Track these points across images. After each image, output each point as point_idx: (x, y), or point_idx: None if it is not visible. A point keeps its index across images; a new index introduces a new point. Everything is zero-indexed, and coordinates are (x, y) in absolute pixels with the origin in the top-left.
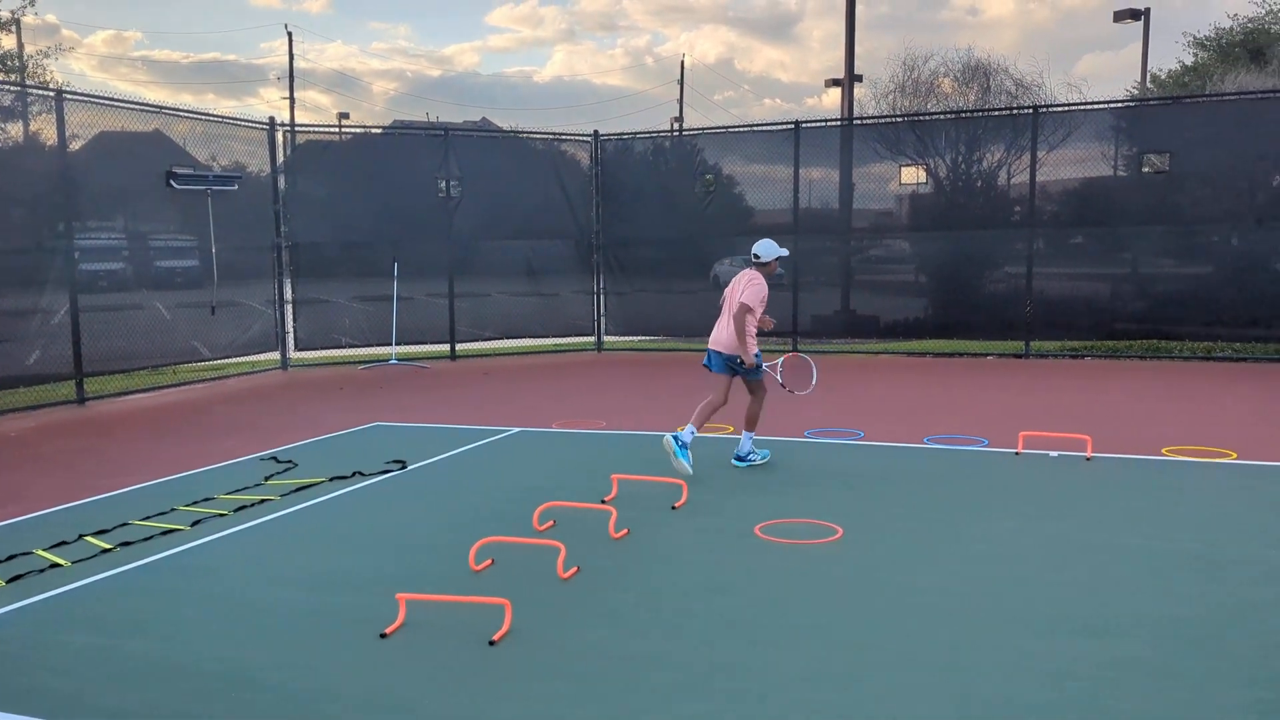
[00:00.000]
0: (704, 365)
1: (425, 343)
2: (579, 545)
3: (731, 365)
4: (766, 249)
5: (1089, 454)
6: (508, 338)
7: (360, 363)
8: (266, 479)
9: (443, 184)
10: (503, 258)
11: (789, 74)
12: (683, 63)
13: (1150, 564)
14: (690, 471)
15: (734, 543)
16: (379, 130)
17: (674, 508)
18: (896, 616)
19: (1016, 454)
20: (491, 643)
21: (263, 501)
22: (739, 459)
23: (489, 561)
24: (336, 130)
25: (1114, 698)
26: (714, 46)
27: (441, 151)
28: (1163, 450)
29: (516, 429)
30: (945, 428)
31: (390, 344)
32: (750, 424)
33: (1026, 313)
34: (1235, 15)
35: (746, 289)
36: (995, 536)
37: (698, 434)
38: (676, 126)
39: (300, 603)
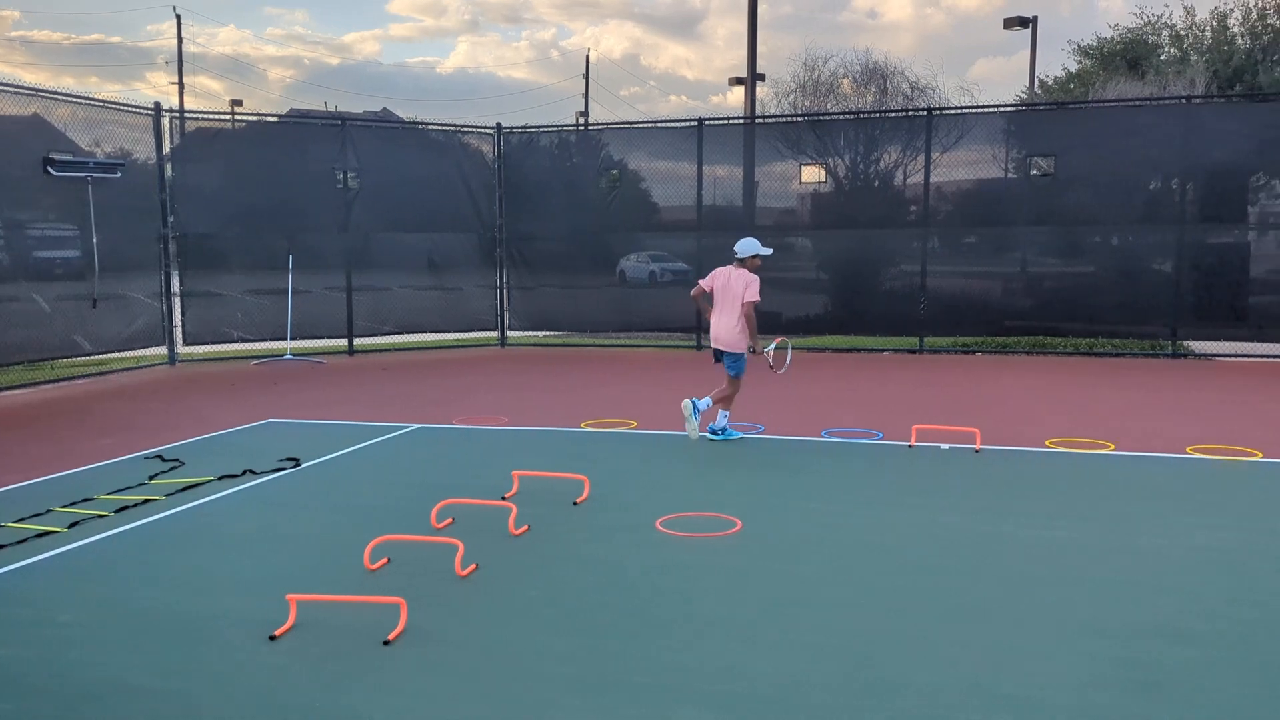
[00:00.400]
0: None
1: (322, 337)
2: (478, 542)
3: (730, 359)
4: (744, 247)
5: (978, 446)
6: (408, 333)
7: (253, 358)
8: (151, 478)
9: (340, 175)
10: (403, 251)
11: (694, 71)
12: (588, 57)
13: (1033, 552)
14: (696, 437)
15: (634, 537)
16: (274, 118)
17: (575, 503)
18: (793, 607)
19: (910, 447)
20: (386, 642)
21: (146, 502)
22: (713, 433)
23: (384, 560)
24: (229, 117)
25: (1001, 682)
26: (620, 42)
27: (339, 141)
28: (1046, 442)
29: (415, 425)
30: (842, 421)
31: (285, 339)
32: (725, 403)
33: (921, 310)
34: (1116, 25)
35: (749, 288)
36: (888, 527)
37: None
38: (582, 121)
39: (185, 606)
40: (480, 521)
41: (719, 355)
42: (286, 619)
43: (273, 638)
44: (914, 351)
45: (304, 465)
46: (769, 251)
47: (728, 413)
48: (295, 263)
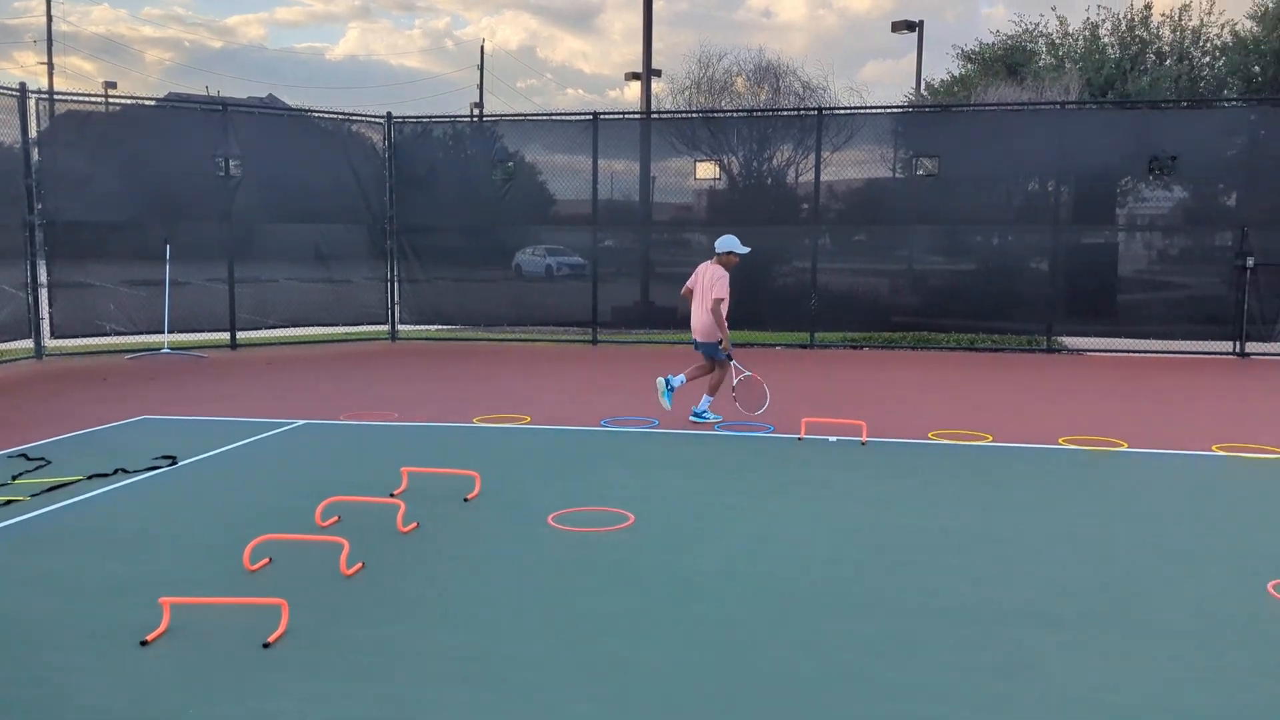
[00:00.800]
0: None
1: (202, 331)
2: (364, 541)
3: (707, 349)
4: (721, 243)
5: (864, 439)
6: (295, 326)
7: (128, 352)
8: (14, 478)
9: (221, 162)
10: (290, 242)
11: (591, 65)
12: (483, 48)
13: (914, 541)
14: (669, 408)
15: (526, 533)
16: (152, 102)
17: (466, 500)
18: (684, 600)
19: (799, 439)
20: (266, 645)
21: (9, 503)
22: (696, 415)
23: (266, 560)
24: (102, 100)
25: (881, 669)
26: (516, 33)
27: (221, 127)
28: (930, 435)
29: (301, 422)
30: (735, 415)
31: (162, 332)
32: (711, 390)
33: (811, 306)
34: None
35: (715, 284)
36: (777, 518)
37: (686, 384)
38: (476, 112)
39: (52, 611)
40: (367, 519)
41: (697, 345)
42: (160, 623)
43: (144, 643)
44: (805, 346)
45: (180, 463)
46: (745, 250)
47: (712, 399)
48: (173, 253)
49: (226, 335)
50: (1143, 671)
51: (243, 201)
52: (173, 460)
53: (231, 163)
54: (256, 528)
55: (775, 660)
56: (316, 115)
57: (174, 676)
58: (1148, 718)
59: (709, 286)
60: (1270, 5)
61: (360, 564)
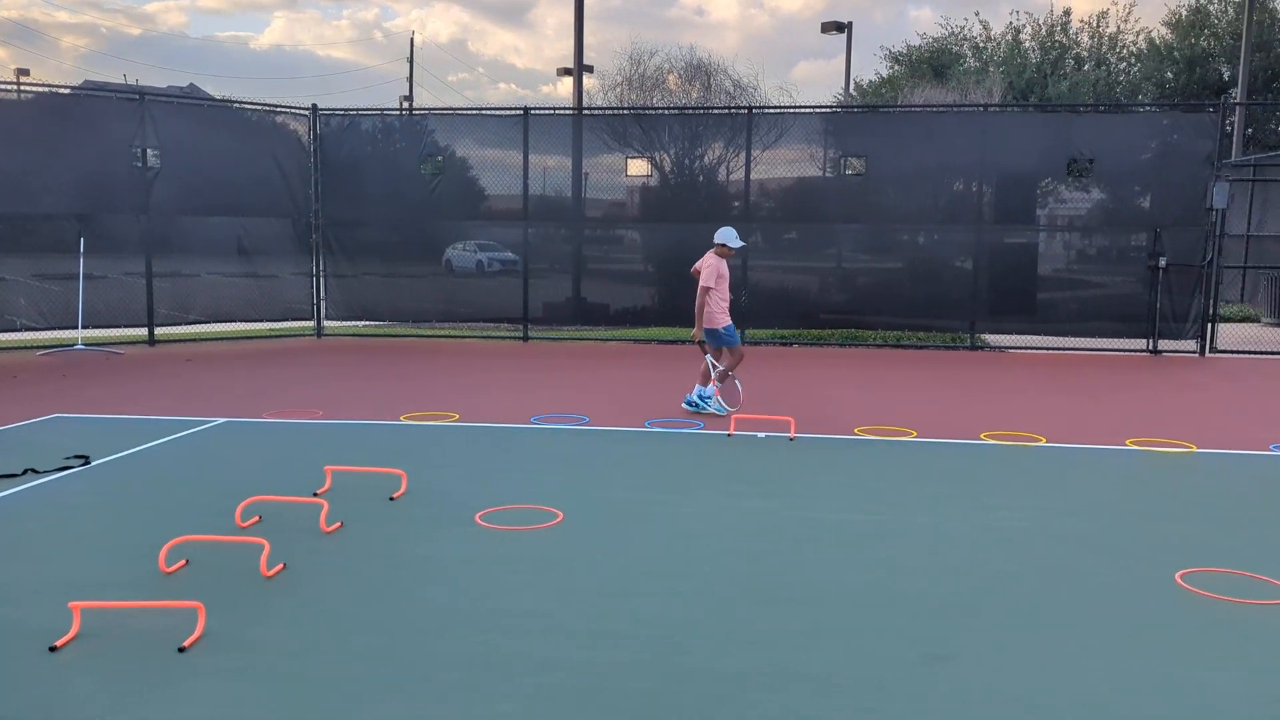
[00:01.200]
0: None
1: (119, 326)
2: (286, 541)
3: (709, 337)
4: (719, 235)
5: (792, 434)
6: (217, 322)
7: (39, 348)
8: None
9: (139, 153)
10: (211, 235)
11: (524, 60)
12: (412, 40)
13: (839, 536)
14: (724, 412)
15: (453, 532)
16: (66, 90)
17: (392, 498)
18: (611, 597)
19: (729, 436)
20: (181, 649)
21: None
22: (703, 400)
23: (183, 563)
24: (13, 87)
25: (804, 662)
26: (446, 26)
27: (138, 117)
28: (856, 430)
29: (222, 420)
30: (666, 412)
31: (76, 327)
32: (705, 379)
33: (742, 302)
34: (924, 34)
35: (703, 273)
36: (706, 514)
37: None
38: (406, 105)
39: None
40: (290, 519)
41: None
42: (69, 628)
43: (53, 649)
44: (690, 342)
45: (94, 463)
46: (739, 244)
47: (718, 386)
48: (87, 245)
49: (144, 331)
50: (1057, 662)
51: (161, 193)
52: (85, 460)
53: (150, 153)
54: (173, 529)
55: (702, 655)
56: (239, 106)
57: (84, 683)
58: (1060, 707)
59: (701, 275)
60: (1184, 13)
61: (281, 565)
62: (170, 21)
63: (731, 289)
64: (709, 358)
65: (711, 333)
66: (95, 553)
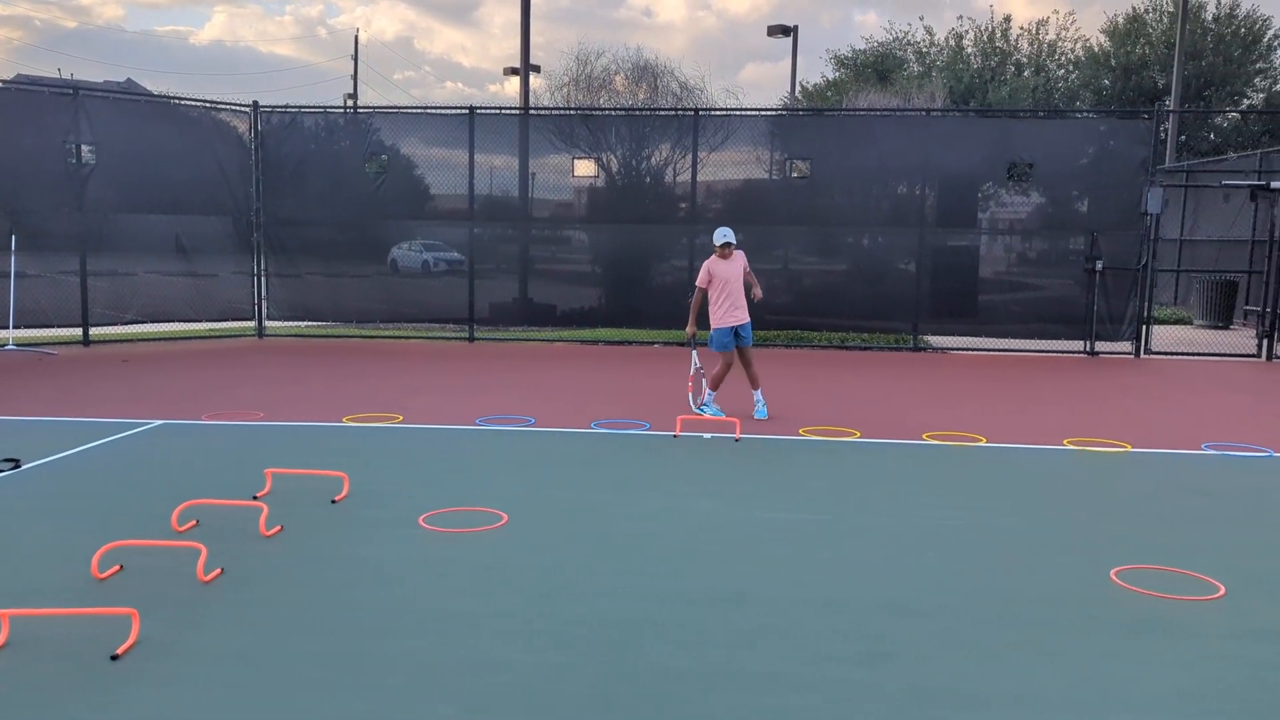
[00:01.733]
0: None
1: (52, 326)
2: (224, 545)
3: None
4: (714, 235)
5: (738, 436)
6: (155, 321)
7: None
8: None
9: (73, 149)
10: (149, 234)
11: (471, 58)
12: (357, 37)
13: (783, 536)
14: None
15: (396, 535)
16: None
17: (334, 501)
18: (555, 598)
19: (675, 437)
20: (115, 657)
21: None
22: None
23: (117, 568)
24: None
25: (747, 661)
26: (392, 24)
27: (72, 112)
28: (800, 431)
29: (159, 422)
30: (613, 413)
31: (6, 327)
32: (711, 383)
33: (687, 303)
34: (869, 38)
35: (700, 273)
36: (652, 515)
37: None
38: (350, 103)
39: None
40: (228, 523)
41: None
42: None
43: None
44: (683, 344)
45: (25, 466)
46: (719, 239)
47: (713, 392)
48: (19, 243)
49: (79, 331)
50: (994, 659)
51: (97, 190)
52: (15, 463)
53: (85, 149)
54: (107, 534)
55: (645, 656)
56: (178, 102)
57: (14, 693)
58: (996, 703)
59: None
60: (1121, 21)
61: (219, 570)
62: (107, 15)
63: (678, 289)
64: (695, 355)
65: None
66: (26, 559)
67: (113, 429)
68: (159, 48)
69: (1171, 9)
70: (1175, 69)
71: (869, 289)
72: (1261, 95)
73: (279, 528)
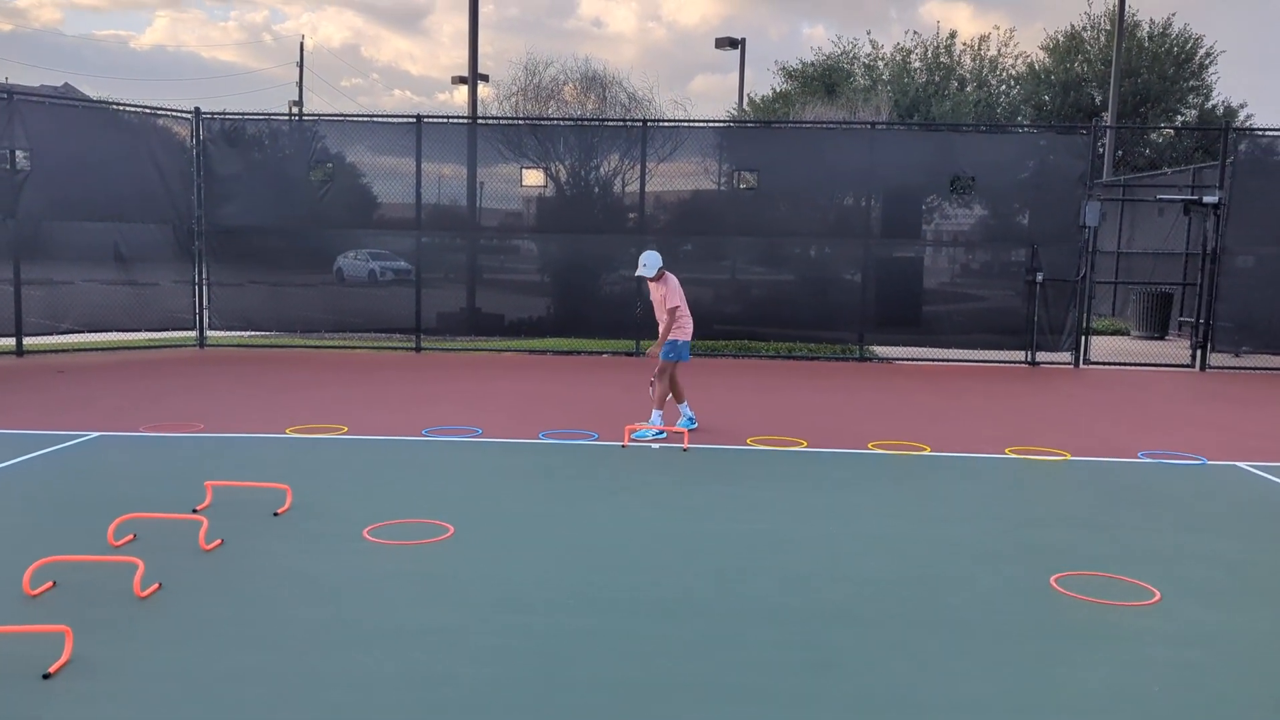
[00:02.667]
0: None
1: None
2: (163, 560)
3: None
4: (655, 258)
5: (685, 445)
6: (92, 331)
7: None
8: None
9: (6, 154)
10: (86, 241)
11: (419, 67)
12: (302, 44)
13: (732, 546)
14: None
15: (339, 547)
16: None
17: (276, 514)
18: (501, 610)
19: (623, 447)
20: (46, 676)
21: None
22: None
23: (49, 585)
24: None
25: (692, 672)
26: (339, 31)
27: (6, 116)
28: (747, 440)
29: (95, 434)
30: (561, 423)
31: None
32: (679, 396)
33: (637, 314)
34: (817, 50)
35: (670, 294)
36: (598, 527)
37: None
38: (295, 110)
39: None
40: (166, 538)
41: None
42: None
43: None
44: (631, 354)
45: None
46: (644, 264)
47: (683, 404)
48: None
49: (11, 341)
50: (937, 666)
51: (31, 197)
52: None
53: (19, 155)
54: (39, 549)
55: (591, 667)
56: (117, 107)
57: None
58: (937, 709)
59: (669, 297)
60: (1061, 39)
61: (156, 585)
62: (44, 18)
63: (625, 299)
64: (656, 378)
65: (685, 345)
66: None
67: (47, 441)
68: (98, 51)
69: (1108, 27)
70: (1112, 86)
71: (815, 299)
72: (1194, 112)
73: (219, 541)
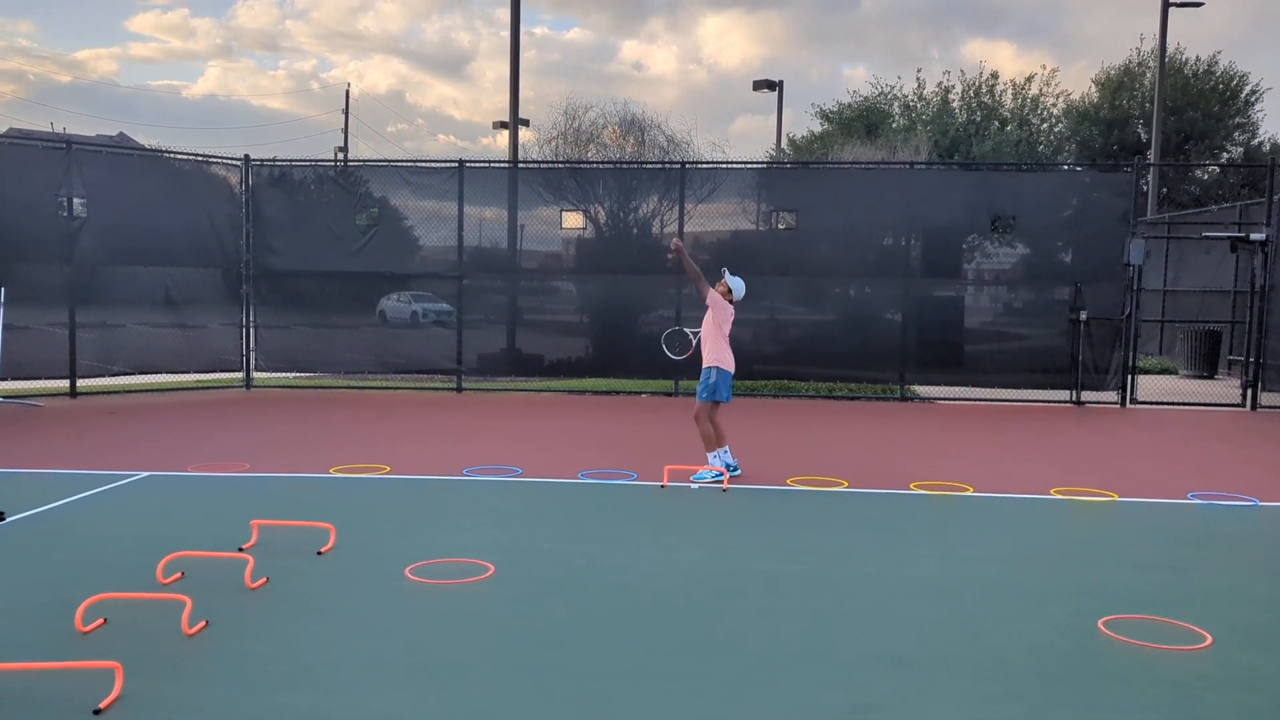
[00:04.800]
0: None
1: (40, 378)
2: (210, 598)
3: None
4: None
5: (725, 486)
6: (143, 373)
7: None
8: None
9: (64, 202)
10: (138, 285)
11: (463, 111)
12: (348, 91)
13: (771, 586)
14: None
15: (382, 586)
16: None
17: (320, 553)
18: (541, 650)
19: (662, 487)
20: (97, 711)
21: None
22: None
23: (100, 621)
24: None
25: (732, 713)
26: (385, 78)
27: (64, 166)
28: (788, 480)
29: (145, 474)
30: (600, 463)
31: None
32: (721, 439)
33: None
34: (855, 92)
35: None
36: (638, 567)
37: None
38: (341, 156)
39: None
40: (213, 576)
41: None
42: None
43: None
44: (669, 394)
45: (9, 519)
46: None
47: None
48: (9, 295)
49: (66, 383)
50: (982, 709)
51: (87, 243)
52: (0, 515)
53: (76, 202)
54: (91, 587)
55: (633, 707)
56: (169, 155)
57: None
58: None
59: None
60: (1112, 73)
61: (204, 623)
62: (101, 69)
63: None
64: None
65: (724, 383)
66: (8, 612)
67: (99, 481)
68: (152, 101)
69: (1153, 64)
70: (1154, 123)
71: (855, 339)
72: (1240, 149)
73: (264, 580)
